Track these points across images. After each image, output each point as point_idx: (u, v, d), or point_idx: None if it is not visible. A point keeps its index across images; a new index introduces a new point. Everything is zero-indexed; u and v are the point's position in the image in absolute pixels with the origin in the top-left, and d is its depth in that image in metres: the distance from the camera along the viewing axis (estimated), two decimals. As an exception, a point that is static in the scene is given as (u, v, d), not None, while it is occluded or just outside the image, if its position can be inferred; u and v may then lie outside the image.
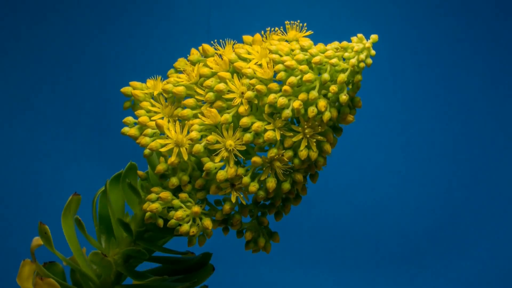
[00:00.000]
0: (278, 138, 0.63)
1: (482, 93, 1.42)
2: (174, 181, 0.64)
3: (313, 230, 1.37)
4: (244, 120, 0.63)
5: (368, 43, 0.63)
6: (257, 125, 0.62)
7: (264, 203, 0.69)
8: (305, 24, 0.67)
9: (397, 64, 1.39)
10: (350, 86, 0.64)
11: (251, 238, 0.68)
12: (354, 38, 0.63)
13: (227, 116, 0.63)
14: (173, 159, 0.63)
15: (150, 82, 0.68)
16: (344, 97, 0.62)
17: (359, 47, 0.63)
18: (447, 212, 1.39)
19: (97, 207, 0.72)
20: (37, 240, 0.72)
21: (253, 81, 0.63)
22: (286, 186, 0.65)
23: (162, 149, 0.63)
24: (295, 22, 0.67)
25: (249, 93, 0.63)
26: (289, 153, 0.63)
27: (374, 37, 0.63)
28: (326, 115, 0.63)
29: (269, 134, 0.62)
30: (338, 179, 1.35)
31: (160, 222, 0.65)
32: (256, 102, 0.64)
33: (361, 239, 1.38)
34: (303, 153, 0.63)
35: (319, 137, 0.64)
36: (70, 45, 1.33)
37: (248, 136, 0.63)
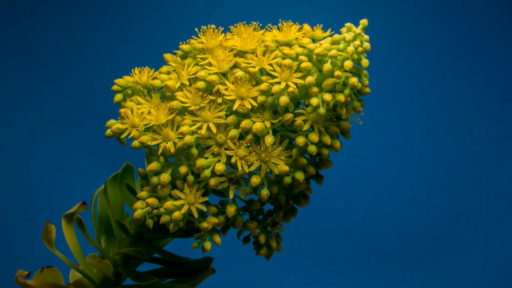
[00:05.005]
0: (268, 126, 0.61)
1: (482, 94, 1.40)
2: (164, 176, 0.63)
3: (314, 231, 1.35)
4: (231, 118, 0.62)
5: (358, 29, 0.62)
6: (245, 122, 0.61)
7: (269, 209, 0.67)
8: (296, 23, 0.66)
9: (397, 67, 1.38)
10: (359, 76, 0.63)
11: (264, 241, 0.66)
12: (343, 29, 0.63)
13: (221, 114, 0.62)
14: (160, 151, 0.62)
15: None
16: (353, 79, 0.61)
17: (351, 35, 0.62)
18: (448, 213, 1.37)
19: (96, 207, 0.72)
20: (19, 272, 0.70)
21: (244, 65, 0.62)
22: (300, 175, 0.62)
23: (152, 143, 0.63)
24: (288, 22, 0.66)
25: (240, 73, 0.62)
26: (302, 139, 0.61)
27: (363, 22, 0.62)
28: (339, 96, 0.61)
29: (257, 125, 0.61)
30: (339, 181, 1.33)
31: (150, 222, 0.64)
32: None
33: (362, 240, 1.36)
34: (314, 137, 0.61)
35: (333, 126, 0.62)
36: (69, 44, 1.34)
37: (234, 132, 0.62)
